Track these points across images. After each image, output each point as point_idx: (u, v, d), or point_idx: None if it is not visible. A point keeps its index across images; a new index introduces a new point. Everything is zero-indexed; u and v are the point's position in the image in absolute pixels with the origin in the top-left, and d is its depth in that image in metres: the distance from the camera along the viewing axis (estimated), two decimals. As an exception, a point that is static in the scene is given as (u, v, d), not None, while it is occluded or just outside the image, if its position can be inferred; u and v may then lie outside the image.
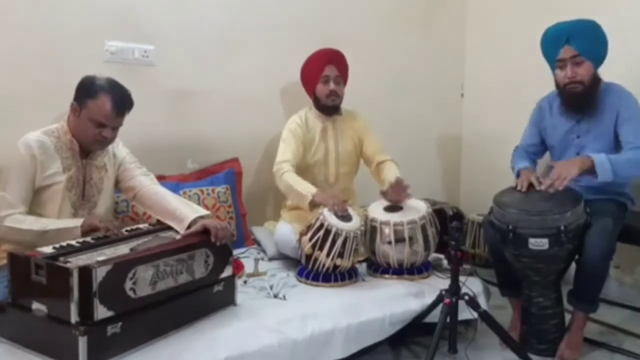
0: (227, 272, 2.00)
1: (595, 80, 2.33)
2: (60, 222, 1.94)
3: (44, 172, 1.98)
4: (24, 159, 1.95)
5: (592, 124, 2.37)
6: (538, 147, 2.61)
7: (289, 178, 2.50)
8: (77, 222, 1.92)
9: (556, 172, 2.18)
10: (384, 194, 2.49)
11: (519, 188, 2.31)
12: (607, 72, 2.39)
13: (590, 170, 2.18)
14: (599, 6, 2.44)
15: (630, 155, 2.22)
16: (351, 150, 2.79)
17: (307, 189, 2.43)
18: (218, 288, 1.95)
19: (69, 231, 1.88)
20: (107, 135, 2.02)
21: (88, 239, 1.84)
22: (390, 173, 2.62)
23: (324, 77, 2.68)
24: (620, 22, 2.43)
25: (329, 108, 2.72)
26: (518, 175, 2.47)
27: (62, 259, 1.62)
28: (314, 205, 2.39)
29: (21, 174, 1.96)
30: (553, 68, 2.40)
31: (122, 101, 2.02)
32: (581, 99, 2.33)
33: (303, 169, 2.65)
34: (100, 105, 1.98)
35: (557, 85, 2.40)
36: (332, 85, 2.67)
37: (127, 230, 1.97)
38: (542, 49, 2.42)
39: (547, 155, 2.66)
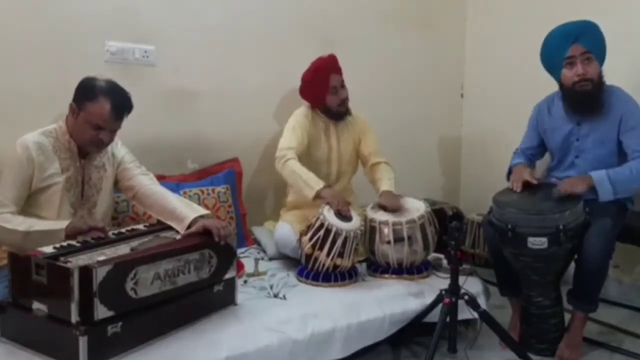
0: (231, 273, 2.00)
1: (602, 80, 2.34)
2: (45, 223, 1.91)
3: (42, 174, 1.98)
4: (20, 160, 1.94)
5: (593, 128, 2.37)
6: (536, 149, 2.62)
7: (294, 166, 2.50)
8: (62, 224, 1.88)
9: (571, 184, 2.21)
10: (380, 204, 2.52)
11: (514, 189, 2.33)
12: (609, 74, 2.39)
13: (593, 189, 2.21)
14: (599, 9, 2.44)
15: (633, 166, 2.23)
16: (351, 149, 2.80)
17: (315, 180, 2.45)
18: (218, 288, 1.95)
19: (52, 234, 1.85)
20: (104, 138, 2.02)
21: (88, 238, 1.84)
22: (384, 177, 2.63)
23: (332, 88, 2.66)
24: (620, 26, 2.43)
25: (340, 114, 2.73)
26: (509, 172, 2.48)
27: (62, 258, 1.62)
28: (317, 197, 2.40)
29: (16, 174, 1.95)
30: (556, 69, 2.37)
31: (121, 105, 2.01)
32: (590, 98, 2.32)
33: (306, 165, 2.65)
34: (99, 108, 1.97)
35: (563, 85, 2.37)
36: (342, 94, 2.68)
37: (117, 233, 1.94)
38: (544, 51, 2.40)
39: (546, 158, 2.67)
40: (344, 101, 2.70)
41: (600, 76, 2.32)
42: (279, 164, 2.55)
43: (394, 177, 2.67)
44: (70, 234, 1.85)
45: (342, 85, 2.70)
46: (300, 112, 2.73)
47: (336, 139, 2.76)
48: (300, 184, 2.48)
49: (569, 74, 2.32)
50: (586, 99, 2.32)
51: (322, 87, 2.67)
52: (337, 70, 2.70)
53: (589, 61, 2.29)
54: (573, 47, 2.30)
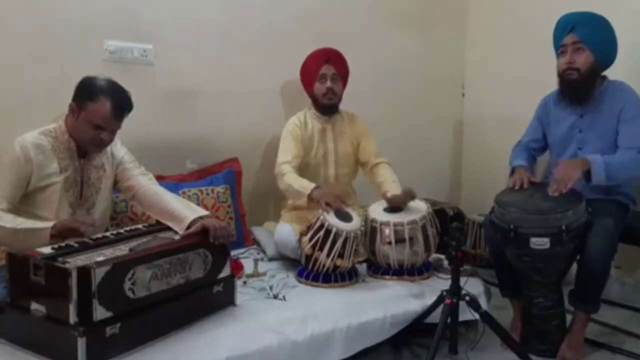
0: (225, 272, 1.99)
1: (594, 72, 2.34)
2: (32, 223, 1.89)
3: (41, 173, 1.96)
4: (18, 159, 1.93)
5: (595, 120, 2.38)
6: (540, 142, 2.62)
7: (288, 179, 2.51)
8: (48, 224, 1.86)
9: (559, 175, 2.17)
10: (388, 199, 2.49)
11: (515, 187, 2.32)
12: (609, 70, 2.40)
13: (587, 173, 2.20)
14: (599, 4, 2.45)
15: (622, 158, 2.24)
16: (350, 151, 2.79)
17: (304, 187, 2.43)
18: (218, 288, 1.94)
19: (38, 233, 1.83)
20: (104, 138, 2.01)
21: (86, 239, 1.82)
22: (388, 179, 2.62)
23: (321, 76, 2.67)
24: (621, 20, 2.44)
25: (325, 107, 2.71)
26: (512, 171, 2.47)
27: (60, 259, 1.61)
28: (312, 200, 2.39)
29: (11, 172, 1.93)
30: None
31: (122, 105, 2.01)
32: (576, 87, 2.35)
33: (303, 170, 2.65)
34: (100, 108, 1.96)
35: (558, 73, 2.42)
36: (328, 83, 2.66)
37: (115, 233, 1.93)
38: (553, 37, 2.45)
39: (546, 154, 2.66)
40: (329, 91, 2.67)
41: (590, 68, 2.32)
42: (278, 181, 2.57)
43: (396, 179, 2.64)
44: (57, 233, 1.83)
45: (335, 79, 2.68)
46: (292, 121, 2.72)
47: (333, 142, 2.75)
48: (295, 195, 2.50)
49: (561, 62, 2.38)
50: (572, 87, 2.37)
51: (312, 74, 2.69)
52: (335, 62, 2.69)
53: (578, 51, 2.32)
54: (568, 36, 2.34)
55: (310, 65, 2.72)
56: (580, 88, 2.35)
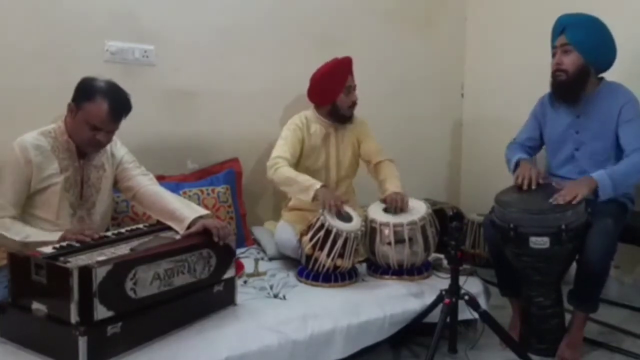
0: (230, 273, 1.99)
1: (583, 73, 2.35)
2: (41, 234, 1.89)
3: (41, 174, 1.96)
4: (18, 161, 1.93)
5: (592, 121, 2.39)
6: (536, 141, 2.62)
7: (287, 172, 2.47)
8: (56, 236, 1.86)
9: (570, 191, 2.16)
10: (384, 202, 2.51)
11: (520, 182, 2.32)
12: (608, 71, 2.41)
13: (594, 190, 2.21)
14: (598, 5, 2.46)
15: (630, 161, 2.25)
16: (351, 154, 2.79)
17: (309, 182, 2.41)
18: (218, 288, 1.95)
19: (47, 244, 1.81)
20: (101, 139, 2.00)
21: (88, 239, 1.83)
22: (391, 176, 2.62)
23: (347, 88, 2.65)
24: (620, 21, 2.45)
25: (346, 118, 2.71)
26: (515, 166, 2.47)
27: (62, 259, 1.61)
28: (315, 197, 2.38)
29: (14, 175, 1.93)
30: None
31: (119, 106, 2.00)
32: (565, 88, 2.38)
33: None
34: (97, 108, 1.95)
35: (551, 74, 2.45)
36: (354, 97, 2.68)
37: (116, 233, 1.93)
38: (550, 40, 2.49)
39: (543, 153, 2.67)
40: (354, 104, 2.69)
41: (578, 69, 2.34)
42: (271, 172, 2.51)
43: (399, 176, 2.65)
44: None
45: (355, 89, 2.70)
46: (294, 122, 2.69)
47: (335, 147, 2.75)
48: (296, 189, 2.46)
49: (552, 63, 2.41)
50: (561, 88, 2.40)
51: (338, 85, 2.65)
52: (352, 73, 2.69)
53: (567, 53, 2.35)
54: (559, 38, 2.38)
55: (335, 76, 2.66)
56: (569, 89, 2.37)
